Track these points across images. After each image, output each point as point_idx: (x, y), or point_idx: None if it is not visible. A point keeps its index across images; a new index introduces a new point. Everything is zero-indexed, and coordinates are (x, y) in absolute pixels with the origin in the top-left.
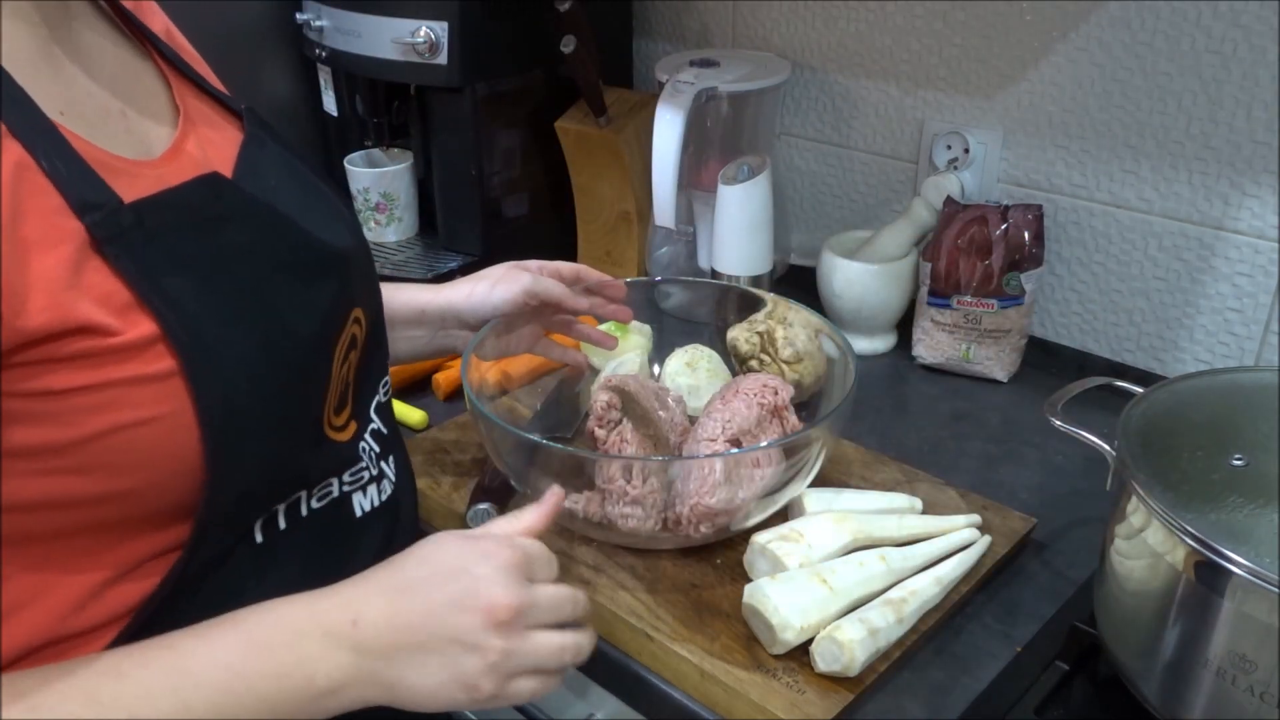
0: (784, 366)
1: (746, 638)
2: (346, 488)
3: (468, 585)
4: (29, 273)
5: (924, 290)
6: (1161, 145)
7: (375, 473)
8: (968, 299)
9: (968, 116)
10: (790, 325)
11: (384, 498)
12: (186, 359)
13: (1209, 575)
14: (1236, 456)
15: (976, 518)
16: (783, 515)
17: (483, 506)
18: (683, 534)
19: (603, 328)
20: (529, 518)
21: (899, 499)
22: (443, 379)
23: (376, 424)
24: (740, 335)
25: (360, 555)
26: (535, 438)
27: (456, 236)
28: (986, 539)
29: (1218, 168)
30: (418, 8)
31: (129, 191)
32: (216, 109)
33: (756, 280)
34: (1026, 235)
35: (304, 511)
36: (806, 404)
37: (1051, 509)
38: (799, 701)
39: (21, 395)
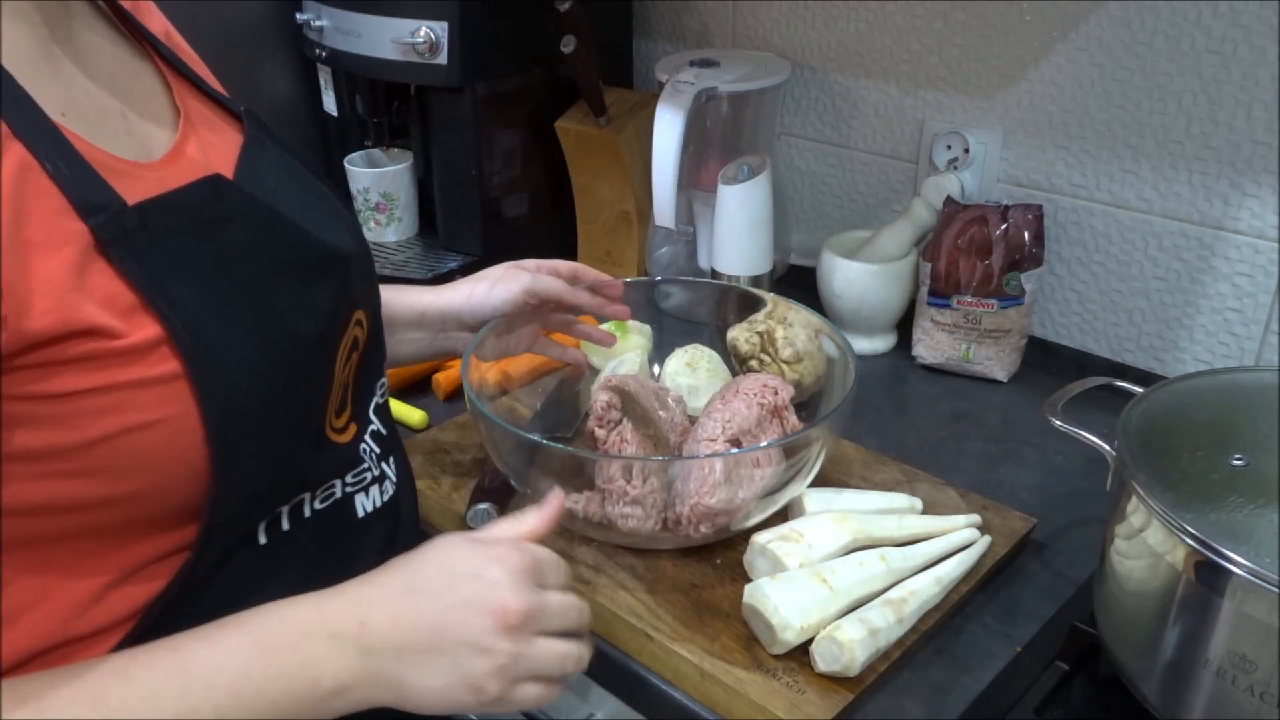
0: (784, 366)
1: (746, 638)
2: (349, 489)
3: (479, 588)
4: (32, 275)
5: (924, 290)
6: (1161, 145)
7: (377, 473)
8: (968, 299)
9: (968, 116)
10: (790, 325)
11: (386, 498)
12: (191, 361)
13: (1209, 575)
14: (1236, 456)
15: (976, 518)
16: (783, 515)
17: (483, 507)
18: (683, 534)
19: (603, 327)
20: (530, 522)
21: (899, 499)
22: (443, 379)
23: (376, 425)
24: (740, 335)
25: (363, 555)
26: (535, 438)
27: (456, 236)
28: (986, 539)
29: (1218, 168)
30: (418, 8)
31: (131, 193)
32: (216, 111)
33: (756, 280)
34: (1026, 235)
35: (307, 513)
36: (806, 404)
37: (1051, 509)
38: (799, 701)
39: (25, 398)
